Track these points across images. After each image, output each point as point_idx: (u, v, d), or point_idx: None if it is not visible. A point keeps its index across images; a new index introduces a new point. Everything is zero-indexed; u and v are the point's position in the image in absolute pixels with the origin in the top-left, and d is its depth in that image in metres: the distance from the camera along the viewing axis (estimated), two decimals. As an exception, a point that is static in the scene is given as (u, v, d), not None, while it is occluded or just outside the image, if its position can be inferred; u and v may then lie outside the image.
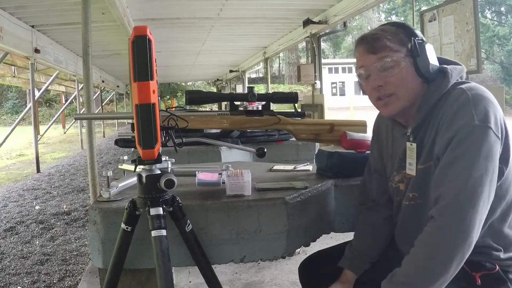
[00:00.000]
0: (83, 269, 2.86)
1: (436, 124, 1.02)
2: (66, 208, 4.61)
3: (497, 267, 1.02)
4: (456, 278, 0.96)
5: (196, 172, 1.32)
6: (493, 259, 1.02)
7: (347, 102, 23.89)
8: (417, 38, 1.04)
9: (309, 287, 1.34)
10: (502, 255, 1.02)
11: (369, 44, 1.06)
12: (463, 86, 1.00)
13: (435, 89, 1.03)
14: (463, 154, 0.94)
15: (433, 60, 1.05)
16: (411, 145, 1.08)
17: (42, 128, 11.67)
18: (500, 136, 0.95)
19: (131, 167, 1.46)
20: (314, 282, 1.32)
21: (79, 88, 10.24)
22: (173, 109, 1.33)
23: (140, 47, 0.97)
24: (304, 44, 7.03)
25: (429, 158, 1.04)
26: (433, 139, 1.02)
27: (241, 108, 1.46)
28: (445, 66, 1.06)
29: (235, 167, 1.40)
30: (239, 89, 13.75)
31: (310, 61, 6.26)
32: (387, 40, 1.04)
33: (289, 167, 1.63)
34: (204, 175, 1.32)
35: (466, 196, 0.91)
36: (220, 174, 1.33)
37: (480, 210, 0.91)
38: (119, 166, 1.58)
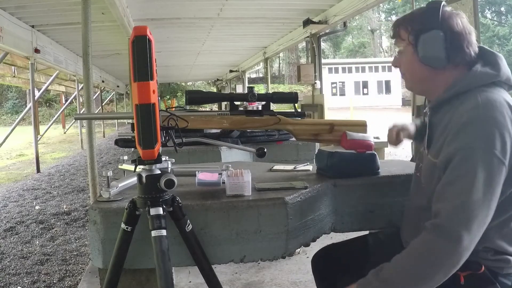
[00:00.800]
0: (83, 269, 2.86)
1: (448, 124, 1.04)
2: (66, 208, 4.61)
3: (483, 267, 1.01)
4: None
5: (196, 172, 1.32)
6: (481, 258, 1.02)
7: (347, 102, 23.88)
8: (427, 27, 1.05)
9: (322, 278, 1.35)
10: (490, 256, 1.02)
11: (391, 29, 1.17)
12: (480, 98, 1.00)
13: (455, 78, 1.07)
14: (464, 175, 0.95)
15: (447, 47, 1.04)
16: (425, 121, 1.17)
17: (42, 128, 11.67)
18: (505, 159, 0.95)
19: (131, 167, 1.46)
20: (327, 273, 1.32)
21: (79, 88, 10.24)
22: (173, 109, 1.33)
23: (140, 47, 0.97)
24: (304, 44, 7.04)
25: (437, 155, 1.05)
26: (444, 138, 1.03)
27: (241, 108, 1.45)
28: (477, 67, 1.06)
29: (235, 167, 1.40)
30: (239, 89, 13.76)
31: (310, 61, 6.26)
32: (401, 27, 1.12)
33: (289, 167, 1.63)
34: (204, 175, 1.32)
35: (460, 219, 0.93)
36: (220, 174, 1.33)
37: (474, 233, 0.93)
38: (119, 166, 1.58)
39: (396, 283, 0.97)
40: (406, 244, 1.10)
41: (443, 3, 1.06)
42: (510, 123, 0.97)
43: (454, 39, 1.05)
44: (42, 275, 2.80)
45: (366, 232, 1.47)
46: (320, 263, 1.37)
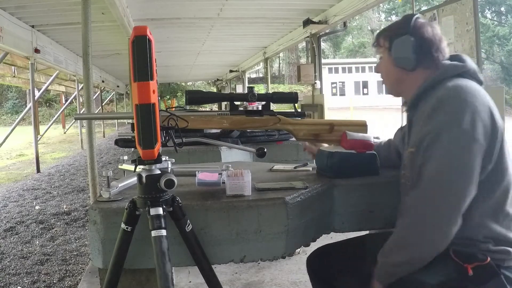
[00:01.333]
0: (83, 269, 2.86)
1: (423, 112, 1.13)
2: (66, 208, 4.61)
3: (489, 258, 1.04)
4: (447, 269, 1.02)
5: (196, 172, 1.32)
6: (483, 250, 1.05)
7: (347, 102, 23.89)
8: (398, 34, 1.18)
9: (317, 279, 1.35)
10: (491, 246, 1.05)
11: (374, 39, 1.30)
12: (449, 84, 1.10)
13: (425, 78, 1.17)
14: (433, 156, 1.05)
15: (420, 51, 1.17)
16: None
17: (42, 128, 11.67)
18: (476, 134, 1.02)
19: (131, 167, 1.46)
20: (322, 273, 1.33)
21: (79, 88, 10.24)
22: (173, 109, 1.33)
23: (140, 47, 0.97)
24: (304, 44, 7.03)
25: (414, 143, 1.15)
26: (420, 127, 1.13)
27: (241, 108, 1.45)
28: (445, 61, 1.17)
29: (235, 167, 1.40)
30: (239, 89, 13.74)
31: (310, 61, 6.26)
32: (381, 36, 1.25)
33: (289, 167, 1.63)
34: (204, 175, 1.32)
35: (437, 195, 1.04)
36: (220, 174, 1.33)
37: (454, 205, 1.02)
38: (119, 166, 1.58)
39: (392, 253, 1.09)
40: None
41: (418, 15, 1.22)
42: (480, 103, 1.05)
43: (424, 44, 1.17)
44: (42, 275, 2.80)
45: (364, 232, 1.47)
46: (315, 263, 1.39)
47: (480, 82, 1.16)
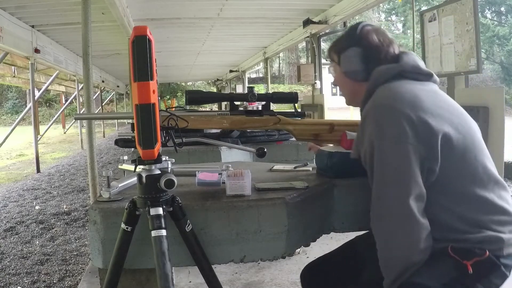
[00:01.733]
0: (83, 269, 2.86)
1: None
2: (66, 208, 4.61)
3: (487, 252, 1.02)
4: (447, 268, 1.01)
5: (196, 172, 1.32)
6: (478, 241, 1.03)
7: (347, 102, 23.79)
8: (345, 47, 1.20)
9: None
10: (478, 234, 1.04)
11: (326, 54, 1.31)
12: (377, 92, 1.12)
13: (365, 88, 1.17)
14: (375, 171, 1.07)
15: (369, 62, 1.17)
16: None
17: (42, 128, 11.67)
18: (405, 138, 1.01)
19: (131, 167, 1.46)
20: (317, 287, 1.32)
21: (79, 88, 10.24)
22: (173, 109, 1.33)
23: (140, 47, 0.97)
24: (304, 44, 7.03)
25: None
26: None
27: (241, 108, 1.45)
28: (380, 67, 1.16)
29: (235, 167, 1.40)
30: (239, 89, 13.74)
31: (310, 61, 6.25)
32: (332, 50, 1.26)
33: (289, 167, 1.63)
34: (204, 175, 1.32)
35: (384, 201, 1.06)
36: (220, 174, 1.33)
37: (402, 194, 1.02)
38: (119, 166, 1.58)
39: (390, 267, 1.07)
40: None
41: (364, 22, 1.21)
42: (407, 106, 1.04)
43: (371, 52, 1.17)
44: (42, 275, 2.80)
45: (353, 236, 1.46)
46: (309, 278, 1.37)
47: (426, 75, 1.15)
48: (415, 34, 3.85)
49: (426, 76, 1.15)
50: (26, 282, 2.71)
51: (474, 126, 1.12)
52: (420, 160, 1.02)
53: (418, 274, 1.04)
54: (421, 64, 1.17)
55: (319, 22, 5.74)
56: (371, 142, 1.06)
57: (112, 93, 19.43)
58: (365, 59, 1.17)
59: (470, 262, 1.02)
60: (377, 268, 1.21)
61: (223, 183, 1.28)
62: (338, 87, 1.30)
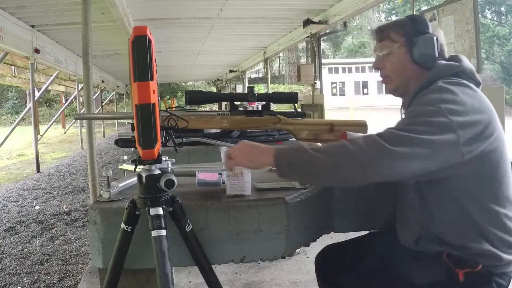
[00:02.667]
0: (83, 269, 2.86)
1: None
2: (66, 208, 4.61)
3: (480, 265, 1.03)
4: (438, 272, 1.02)
5: (196, 172, 1.32)
6: (475, 253, 1.03)
7: (347, 102, 23.90)
8: (421, 31, 1.17)
9: (325, 279, 1.35)
10: (483, 247, 1.03)
11: (376, 33, 1.25)
12: (442, 82, 1.10)
13: (426, 77, 1.15)
14: (410, 117, 1.05)
15: (439, 51, 1.17)
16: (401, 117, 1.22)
17: (42, 128, 11.67)
18: (453, 120, 0.98)
19: (131, 167, 1.45)
20: (330, 273, 1.32)
21: (79, 88, 10.24)
22: (173, 109, 1.33)
23: (140, 47, 0.97)
24: (304, 44, 7.03)
25: None
26: None
27: (241, 108, 1.46)
28: (441, 61, 1.16)
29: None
30: (239, 89, 13.73)
31: (310, 61, 6.26)
32: (390, 31, 1.20)
33: (289, 167, 1.63)
34: (204, 175, 1.32)
35: (396, 140, 0.98)
36: (220, 174, 1.33)
37: (398, 158, 0.96)
38: (119, 166, 1.58)
39: (300, 168, 1.04)
40: (404, 243, 1.13)
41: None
42: (468, 102, 1.02)
43: (441, 45, 1.19)
44: (42, 275, 2.80)
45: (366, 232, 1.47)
46: (324, 263, 1.37)
47: (477, 83, 1.14)
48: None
49: (477, 84, 1.15)
50: (26, 282, 2.71)
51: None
52: (449, 157, 0.98)
53: (405, 269, 1.05)
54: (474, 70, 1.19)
55: (319, 22, 5.74)
56: (422, 105, 1.04)
57: (112, 93, 19.43)
58: (438, 48, 1.17)
59: (463, 271, 1.02)
60: (370, 260, 1.22)
61: (223, 183, 1.28)
62: (383, 71, 1.23)
